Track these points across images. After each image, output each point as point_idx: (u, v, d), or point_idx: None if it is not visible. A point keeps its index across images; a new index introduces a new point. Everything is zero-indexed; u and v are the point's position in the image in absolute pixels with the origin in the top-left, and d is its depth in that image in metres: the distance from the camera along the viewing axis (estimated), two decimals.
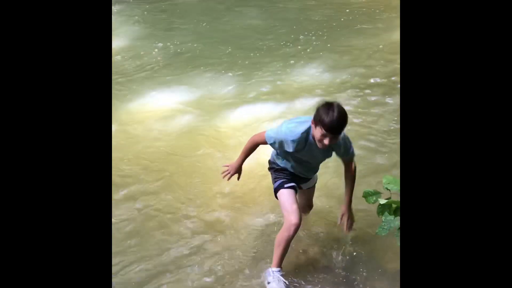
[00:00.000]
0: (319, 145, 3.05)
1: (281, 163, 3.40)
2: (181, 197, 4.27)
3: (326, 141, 2.98)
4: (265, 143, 3.29)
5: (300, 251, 3.69)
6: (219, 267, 3.58)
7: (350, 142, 3.30)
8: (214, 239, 3.84)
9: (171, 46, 7.06)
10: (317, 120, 2.98)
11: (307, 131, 3.14)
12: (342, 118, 2.96)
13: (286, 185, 3.34)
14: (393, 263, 3.46)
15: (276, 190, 3.38)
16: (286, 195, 3.30)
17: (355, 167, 3.41)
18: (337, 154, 3.32)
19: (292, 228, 3.20)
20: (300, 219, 3.24)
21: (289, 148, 3.17)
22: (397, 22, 7.79)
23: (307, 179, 3.53)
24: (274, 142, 3.22)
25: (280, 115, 5.28)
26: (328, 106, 2.99)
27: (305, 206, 3.79)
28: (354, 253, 3.66)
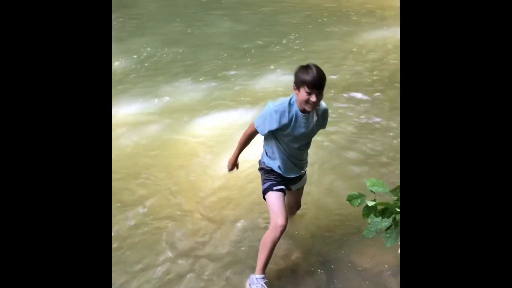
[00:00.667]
0: (307, 107, 3.08)
1: (269, 162, 3.39)
2: (162, 204, 4.20)
3: (313, 98, 3.02)
4: (256, 132, 3.30)
5: (284, 257, 3.68)
6: (206, 273, 3.55)
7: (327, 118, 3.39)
8: (198, 246, 3.79)
9: (139, 55, 6.97)
10: (299, 82, 3.04)
11: (290, 102, 3.16)
12: (322, 72, 3.03)
13: (274, 188, 3.35)
14: (372, 265, 3.51)
15: (264, 192, 3.40)
16: (274, 198, 3.32)
17: None
18: (323, 127, 3.39)
19: (279, 230, 3.21)
20: (286, 222, 3.25)
21: (276, 124, 3.15)
22: (370, 23, 8.11)
23: (297, 180, 3.53)
24: (264, 127, 3.21)
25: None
26: (305, 67, 3.06)
27: (293, 206, 3.83)
28: (338, 258, 3.67)
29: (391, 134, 5.17)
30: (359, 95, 6.00)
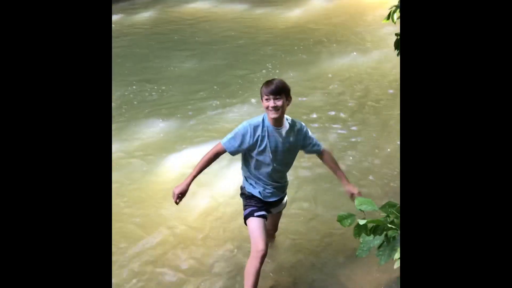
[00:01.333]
0: (270, 114, 3.23)
1: (249, 188, 3.43)
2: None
3: (270, 104, 3.19)
4: (223, 150, 3.32)
5: (273, 283, 3.62)
6: None
7: (310, 134, 3.46)
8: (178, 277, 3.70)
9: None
10: (261, 94, 3.26)
11: (263, 118, 3.31)
12: (279, 81, 3.25)
13: (256, 214, 3.37)
14: (374, 283, 3.48)
15: (245, 217, 3.42)
16: (256, 224, 3.34)
17: (330, 152, 3.59)
18: (304, 147, 3.45)
19: (260, 255, 3.24)
20: (267, 247, 3.29)
21: (251, 139, 3.25)
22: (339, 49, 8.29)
23: (278, 202, 3.55)
24: (235, 142, 3.27)
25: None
26: (267, 81, 3.29)
27: (271, 229, 3.83)
28: (325, 281, 3.64)
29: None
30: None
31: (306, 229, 4.19)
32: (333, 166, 3.52)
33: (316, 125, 5.97)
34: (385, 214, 2.40)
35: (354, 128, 5.96)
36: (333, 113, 6.33)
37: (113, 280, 3.57)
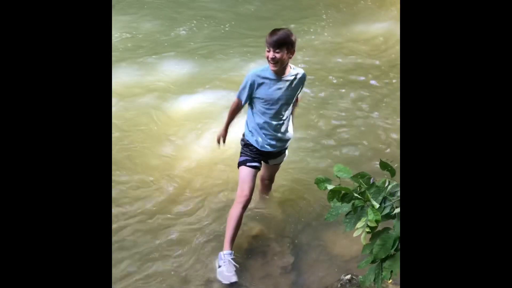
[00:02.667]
0: (270, 66, 3.31)
1: (248, 136, 3.53)
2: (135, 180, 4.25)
3: (270, 55, 3.25)
4: (239, 103, 3.47)
5: (256, 237, 3.74)
6: (176, 254, 3.60)
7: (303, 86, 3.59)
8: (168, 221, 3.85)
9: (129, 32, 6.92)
10: (265, 42, 3.28)
11: (266, 67, 3.38)
12: (283, 33, 3.25)
13: (248, 163, 3.49)
14: (339, 250, 3.57)
15: (239, 164, 3.55)
16: (246, 172, 3.47)
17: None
18: (297, 91, 3.52)
19: (243, 200, 3.38)
20: (251, 195, 3.44)
21: (252, 81, 3.34)
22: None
23: (276, 155, 3.62)
24: (244, 91, 3.39)
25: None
26: (274, 29, 3.31)
27: (267, 180, 3.93)
28: (309, 241, 3.74)
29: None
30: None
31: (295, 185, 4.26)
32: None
33: None
34: (357, 184, 2.44)
35: None
36: None
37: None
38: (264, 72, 3.36)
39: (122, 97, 5.33)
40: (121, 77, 5.68)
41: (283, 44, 3.24)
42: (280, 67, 3.31)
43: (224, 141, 3.64)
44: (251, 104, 3.49)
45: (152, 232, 3.75)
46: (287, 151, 3.72)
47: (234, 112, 3.56)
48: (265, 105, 3.40)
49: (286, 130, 3.57)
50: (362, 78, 5.99)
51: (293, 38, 3.28)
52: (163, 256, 3.56)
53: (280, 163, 3.78)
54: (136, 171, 4.32)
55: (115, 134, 4.61)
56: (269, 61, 3.29)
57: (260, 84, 3.35)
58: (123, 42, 6.60)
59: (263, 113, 3.42)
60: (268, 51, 3.27)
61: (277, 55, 3.25)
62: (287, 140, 3.62)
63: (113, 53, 6.19)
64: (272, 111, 3.41)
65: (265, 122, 3.43)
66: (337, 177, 2.57)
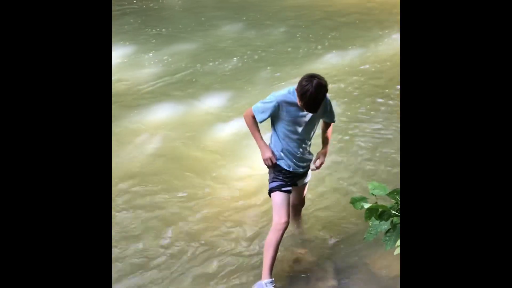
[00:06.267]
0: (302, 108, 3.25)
1: (278, 160, 3.44)
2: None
3: (306, 113, 3.26)
4: (254, 118, 3.40)
5: (293, 260, 3.69)
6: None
7: (332, 107, 3.53)
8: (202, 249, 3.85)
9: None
10: (299, 93, 3.18)
11: (292, 93, 3.29)
12: (316, 97, 3.12)
13: (283, 189, 3.42)
14: (383, 269, 3.46)
15: (271, 190, 3.46)
16: (281, 197, 3.41)
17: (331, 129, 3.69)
18: (323, 115, 3.50)
19: (282, 227, 3.32)
20: (289, 219, 3.38)
21: (284, 104, 3.27)
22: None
23: (303, 175, 3.60)
24: (264, 116, 3.34)
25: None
26: (308, 81, 3.14)
27: (297, 204, 3.85)
28: (352, 263, 3.65)
29: None
30: None
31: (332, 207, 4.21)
32: (327, 136, 3.63)
33: None
34: (394, 200, 2.39)
35: None
36: None
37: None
38: (291, 97, 3.29)
39: None
40: None
41: (321, 104, 3.22)
42: None
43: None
44: (274, 127, 3.44)
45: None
46: (310, 170, 3.68)
47: (256, 125, 3.44)
48: (290, 128, 3.36)
49: (310, 152, 3.56)
50: None
51: (326, 89, 3.19)
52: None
53: (307, 182, 3.74)
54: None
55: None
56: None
57: (285, 109, 3.29)
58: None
59: (288, 137, 3.38)
60: (302, 107, 3.22)
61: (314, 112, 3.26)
62: (311, 160, 3.60)
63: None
64: (297, 136, 3.38)
65: (291, 146, 3.40)
66: (373, 194, 2.54)
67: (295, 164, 3.45)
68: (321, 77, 3.18)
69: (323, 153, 3.63)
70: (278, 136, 3.43)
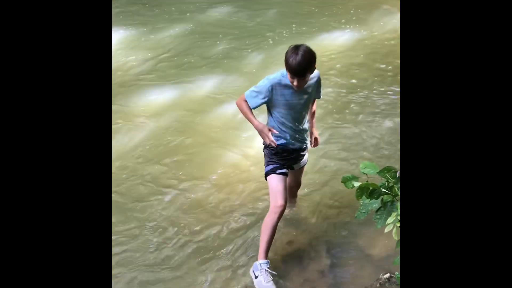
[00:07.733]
0: (294, 86, 3.22)
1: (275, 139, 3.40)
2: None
3: (295, 83, 3.19)
4: (247, 104, 3.36)
5: (290, 243, 3.72)
6: (206, 264, 3.59)
7: (321, 86, 3.52)
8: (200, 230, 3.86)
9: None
10: (285, 65, 3.16)
11: (282, 74, 3.28)
12: (306, 59, 3.10)
13: (278, 171, 3.42)
14: (375, 248, 3.50)
15: (267, 174, 3.46)
16: (276, 180, 3.39)
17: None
18: (315, 95, 3.50)
19: (278, 210, 3.30)
20: (286, 202, 3.36)
21: (270, 94, 3.26)
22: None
23: (300, 158, 3.58)
24: (257, 101, 3.31)
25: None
26: (294, 49, 3.13)
27: (294, 186, 3.85)
28: (344, 243, 3.69)
29: None
30: None
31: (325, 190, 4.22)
32: (311, 116, 3.59)
33: None
34: (384, 179, 2.39)
35: None
36: None
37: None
38: (284, 80, 3.25)
39: None
40: None
41: (306, 70, 3.16)
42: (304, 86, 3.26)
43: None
44: (269, 110, 3.43)
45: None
46: (307, 154, 3.67)
47: (250, 110, 3.37)
48: (284, 111, 3.34)
49: (305, 128, 3.53)
50: None
51: (314, 57, 3.17)
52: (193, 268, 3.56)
53: (304, 166, 3.73)
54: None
55: None
56: (293, 85, 3.21)
57: (279, 91, 3.28)
58: None
59: (284, 123, 3.38)
60: (292, 78, 3.18)
61: (302, 82, 3.20)
62: (307, 131, 3.57)
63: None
64: (292, 116, 3.37)
65: (287, 126, 3.39)
66: (364, 173, 2.54)
67: (291, 137, 3.42)
68: (307, 46, 3.20)
69: (312, 131, 3.63)
70: (273, 118, 3.42)
